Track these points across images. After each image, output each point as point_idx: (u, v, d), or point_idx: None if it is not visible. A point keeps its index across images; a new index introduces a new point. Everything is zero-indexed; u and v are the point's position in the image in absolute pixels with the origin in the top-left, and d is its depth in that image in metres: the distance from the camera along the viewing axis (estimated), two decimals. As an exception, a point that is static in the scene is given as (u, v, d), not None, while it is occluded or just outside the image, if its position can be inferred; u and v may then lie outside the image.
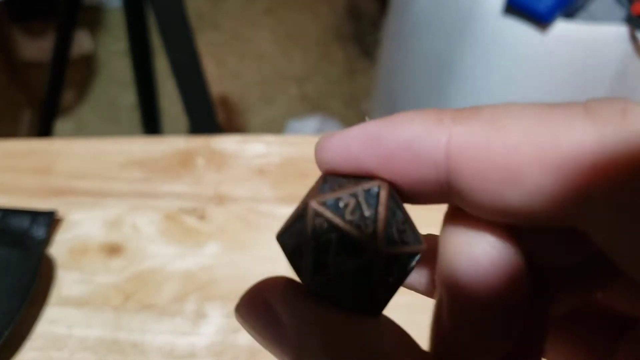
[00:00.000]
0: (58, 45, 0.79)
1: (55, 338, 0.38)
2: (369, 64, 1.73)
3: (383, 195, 0.15)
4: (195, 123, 0.67)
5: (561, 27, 0.69)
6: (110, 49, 1.67)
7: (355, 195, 0.15)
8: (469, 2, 0.75)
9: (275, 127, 1.54)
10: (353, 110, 1.63)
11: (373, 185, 0.15)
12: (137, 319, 0.39)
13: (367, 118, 0.16)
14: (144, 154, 0.48)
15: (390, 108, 1.05)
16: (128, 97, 1.52)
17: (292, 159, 0.49)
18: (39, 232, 0.41)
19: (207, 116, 0.65)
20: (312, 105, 1.63)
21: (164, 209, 0.45)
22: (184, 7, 0.63)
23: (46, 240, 0.41)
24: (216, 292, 0.41)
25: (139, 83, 0.81)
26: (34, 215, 0.42)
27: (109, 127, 1.51)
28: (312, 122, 1.39)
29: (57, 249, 0.42)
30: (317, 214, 0.15)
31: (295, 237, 0.16)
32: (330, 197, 0.15)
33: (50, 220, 0.42)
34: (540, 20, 0.68)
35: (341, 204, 0.15)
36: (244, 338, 0.39)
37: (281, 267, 0.43)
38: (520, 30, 0.71)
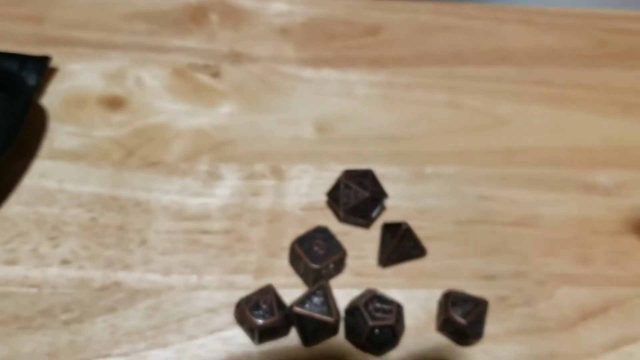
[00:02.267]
0: None
1: (45, 192, 0.33)
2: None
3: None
4: None
5: None
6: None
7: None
8: None
9: None
10: None
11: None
12: (141, 177, 0.34)
13: None
14: (149, 7, 0.42)
15: None
16: None
17: (319, 19, 0.43)
18: (29, 77, 0.36)
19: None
20: None
21: (172, 64, 0.39)
22: None
23: (37, 87, 0.36)
24: (232, 153, 0.36)
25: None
26: (25, 59, 0.36)
27: None
28: None
29: (51, 99, 0.37)
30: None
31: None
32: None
33: (43, 66, 0.36)
34: None
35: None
36: (266, 201, 0.34)
37: (306, 131, 0.37)
38: None
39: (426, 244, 0.32)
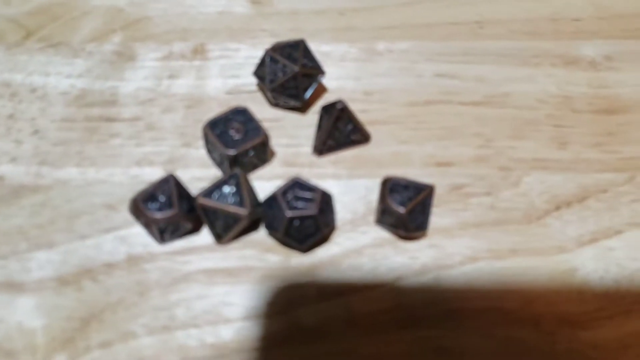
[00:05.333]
0: None
1: None
2: None
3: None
4: None
5: None
6: None
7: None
8: None
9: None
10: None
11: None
12: (39, 60, 0.29)
13: None
14: None
15: None
16: None
17: None
18: None
19: None
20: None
21: None
22: None
23: None
24: (149, 32, 0.30)
25: None
26: None
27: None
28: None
29: (-60, -23, 0.32)
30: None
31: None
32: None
33: None
34: None
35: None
36: (184, 84, 0.29)
37: (238, 4, 0.32)
38: None
39: (372, 128, 0.28)
